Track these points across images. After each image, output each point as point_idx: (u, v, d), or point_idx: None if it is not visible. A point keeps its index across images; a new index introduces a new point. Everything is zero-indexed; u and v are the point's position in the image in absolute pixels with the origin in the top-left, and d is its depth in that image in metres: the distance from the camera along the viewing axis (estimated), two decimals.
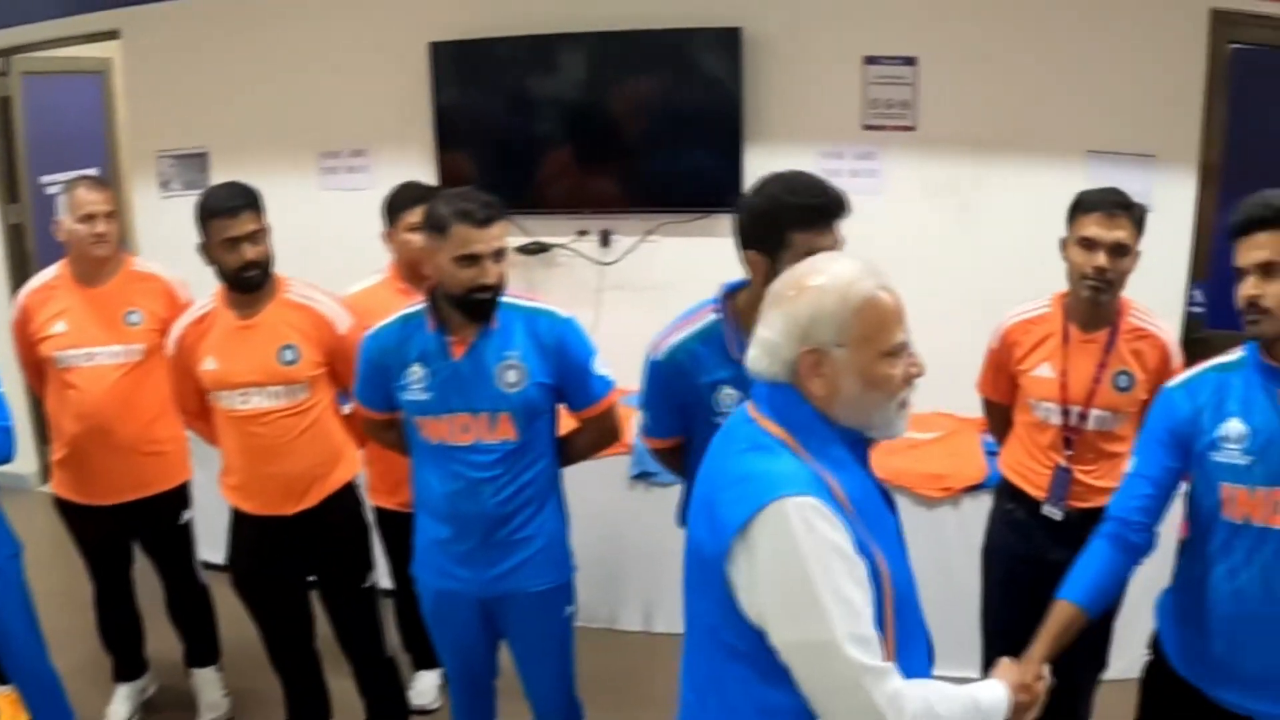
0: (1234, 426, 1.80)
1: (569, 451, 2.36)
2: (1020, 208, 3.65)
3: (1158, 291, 3.59)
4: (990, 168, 3.72)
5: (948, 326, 3.64)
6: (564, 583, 2.33)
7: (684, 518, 2.21)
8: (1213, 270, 3.91)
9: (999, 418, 2.71)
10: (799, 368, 1.38)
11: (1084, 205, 2.34)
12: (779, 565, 1.29)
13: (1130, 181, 3.59)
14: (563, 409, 2.33)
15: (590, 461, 2.44)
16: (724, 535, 1.33)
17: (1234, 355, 1.88)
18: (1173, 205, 3.74)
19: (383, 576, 2.82)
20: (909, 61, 3.70)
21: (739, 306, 2.02)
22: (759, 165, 3.70)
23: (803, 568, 1.27)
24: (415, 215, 2.61)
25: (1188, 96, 3.79)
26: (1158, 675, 1.99)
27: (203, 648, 3.13)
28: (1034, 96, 3.72)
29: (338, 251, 3.43)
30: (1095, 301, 2.34)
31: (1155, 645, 2.02)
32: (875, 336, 1.37)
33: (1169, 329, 2.47)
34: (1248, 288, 1.74)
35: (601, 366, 2.27)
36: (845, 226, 1.92)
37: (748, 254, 1.93)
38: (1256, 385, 1.81)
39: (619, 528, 3.45)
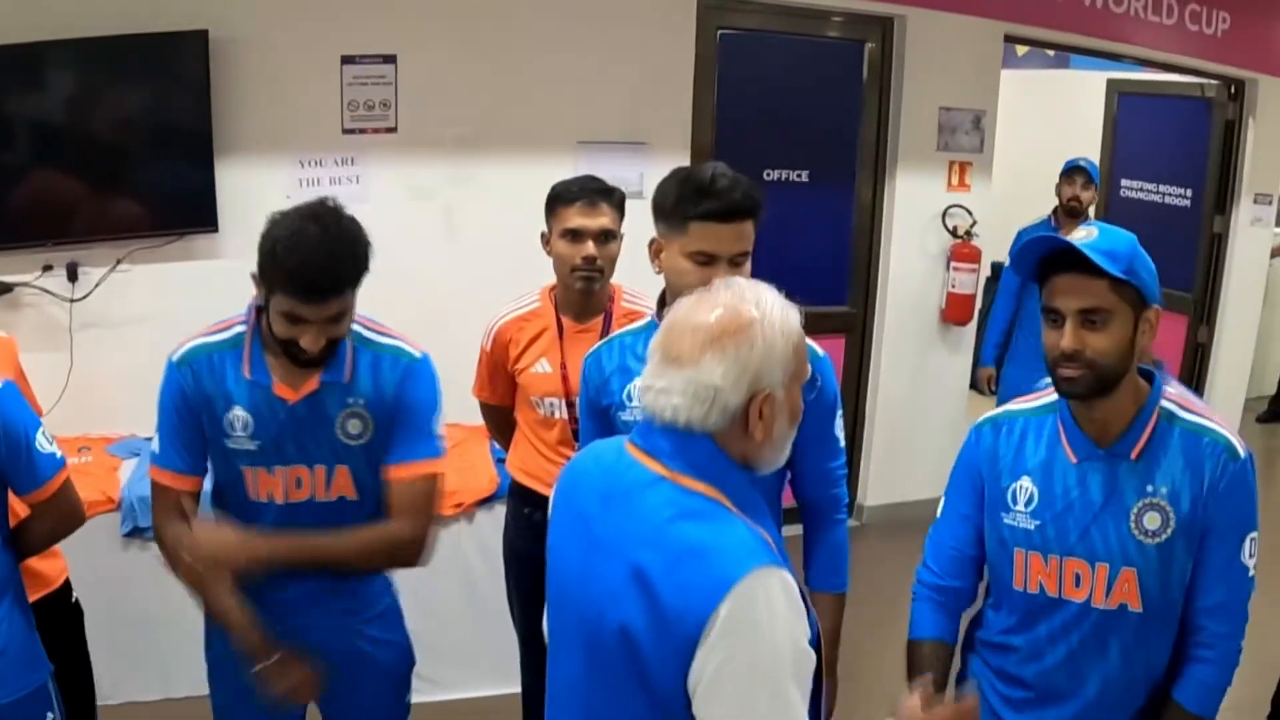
0: None
1: (25, 543, 2.04)
2: (510, 204, 3.60)
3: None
4: (477, 165, 3.68)
5: (442, 332, 3.55)
6: (38, 687, 2.03)
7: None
8: None
9: (499, 421, 2.65)
10: (744, 415, 1.24)
11: (563, 197, 2.32)
12: (747, 655, 1.14)
13: (623, 169, 3.67)
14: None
15: None
16: (688, 619, 1.14)
17: None
18: None
19: None
20: (389, 60, 3.58)
21: (266, 328, 1.86)
22: (235, 179, 3.49)
23: (772, 670, 1.14)
24: None
25: (678, 83, 3.92)
26: None
27: None
28: (521, 91, 3.70)
29: None
30: (588, 291, 2.33)
31: None
32: (803, 368, 1.30)
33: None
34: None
35: (49, 442, 1.96)
36: None
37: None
38: None
39: (125, 593, 3.04)
